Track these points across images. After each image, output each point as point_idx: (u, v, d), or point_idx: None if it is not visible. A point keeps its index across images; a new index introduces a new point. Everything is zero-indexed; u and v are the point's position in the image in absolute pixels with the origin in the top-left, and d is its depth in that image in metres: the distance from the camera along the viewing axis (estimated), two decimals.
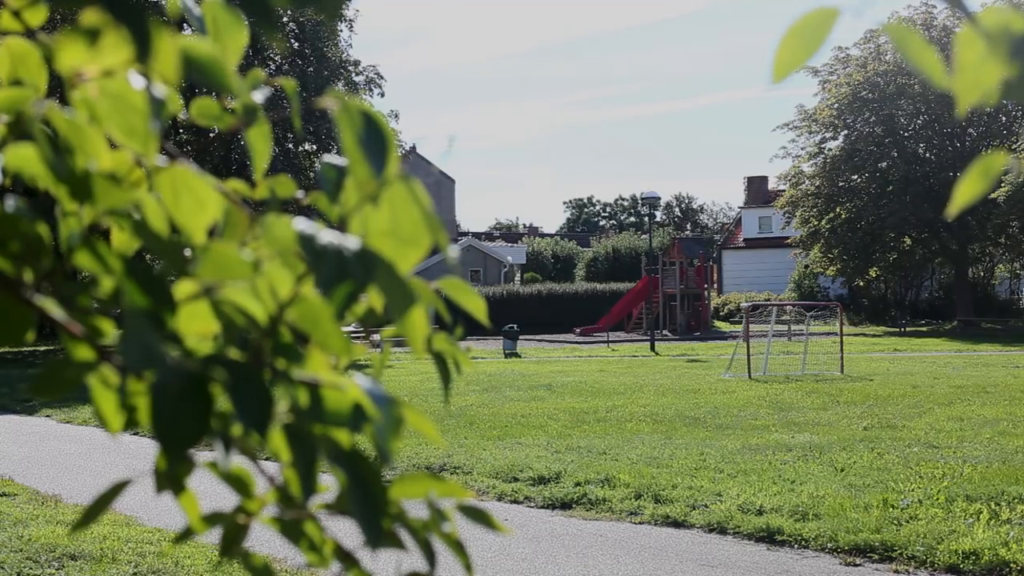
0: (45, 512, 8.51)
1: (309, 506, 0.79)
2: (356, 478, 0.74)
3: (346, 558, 0.82)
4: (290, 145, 31.89)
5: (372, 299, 0.82)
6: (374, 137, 0.77)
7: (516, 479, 9.62)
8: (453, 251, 0.81)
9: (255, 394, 0.73)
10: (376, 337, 0.95)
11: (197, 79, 0.80)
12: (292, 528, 0.80)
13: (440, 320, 0.90)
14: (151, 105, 0.78)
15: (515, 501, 8.99)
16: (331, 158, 0.80)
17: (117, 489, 0.82)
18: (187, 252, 0.81)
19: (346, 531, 0.82)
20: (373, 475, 0.74)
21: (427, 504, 0.82)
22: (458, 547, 0.84)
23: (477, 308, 0.91)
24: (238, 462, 0.80)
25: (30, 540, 7.44)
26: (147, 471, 0.83)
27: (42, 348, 29.42)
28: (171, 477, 0.80)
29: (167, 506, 7.73)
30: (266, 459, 0.82)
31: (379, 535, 0.72)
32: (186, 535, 0.86)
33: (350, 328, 0.86)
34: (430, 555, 0.82)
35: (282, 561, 6.59)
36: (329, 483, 0.80)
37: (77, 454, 12.02)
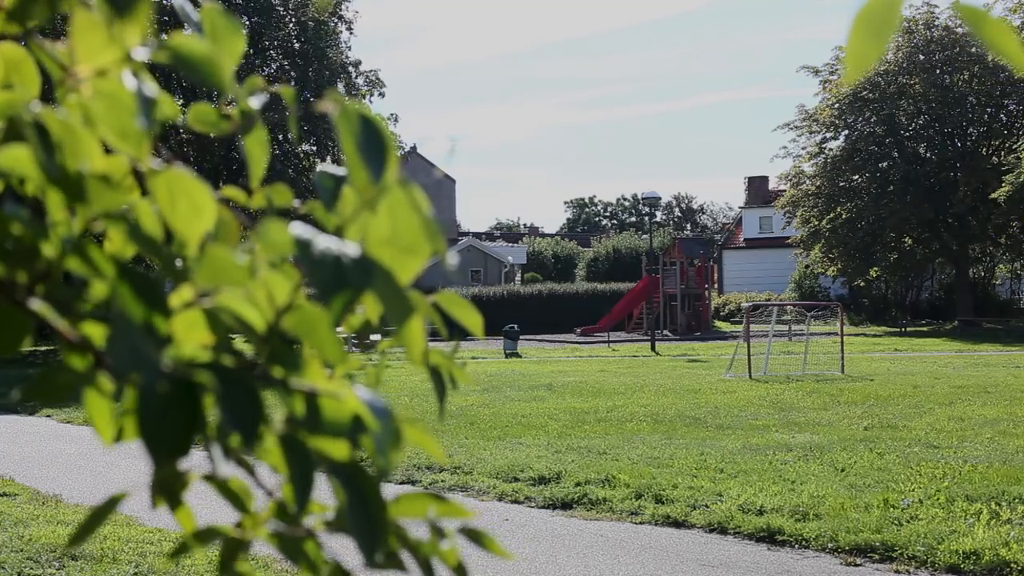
0: (45, 512, 8.50)
1: (306, 520, 0.77)
2: (354, 492, 0.72)
3: None
4: (288, 146, 31.86)
5: (368, 309, 0.81)
6: (373, 142, 0.75)
7: (516, 479, 9.61)
8: (452, 258, 0.79)
9: (244, 398, 0.71)
10: (373, 337, 0.93)
11: (190, 77, 0.79)
12: (291, 545, 0.78)
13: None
14: (143, 104, 0.77)
15: (515, 501, 8.98)
16: (328, 167, 0.79)
17: (112, 503, 0.81)
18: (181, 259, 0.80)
19: (348, 549, 0.81)
20: (372, 489, 0.72)
21: (428, 524, 0.81)
22: (460, 570, 0.83)
23: (474, 324, 0.90)
24: (236, 475, 0.79)
25: (31, 540, 7.43)
26: (147, 475, 0.82)
27: (43, 348, 29.39)
28: (167, 491, 0.79)
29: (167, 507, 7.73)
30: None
31: (379, 554, 0.71)
32: (181, 550, 0.85)
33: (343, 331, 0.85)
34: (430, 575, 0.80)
35: (282, 561, 6.59)
36: (330, 503, 0.79)
37: (77, 454, 12.00)
